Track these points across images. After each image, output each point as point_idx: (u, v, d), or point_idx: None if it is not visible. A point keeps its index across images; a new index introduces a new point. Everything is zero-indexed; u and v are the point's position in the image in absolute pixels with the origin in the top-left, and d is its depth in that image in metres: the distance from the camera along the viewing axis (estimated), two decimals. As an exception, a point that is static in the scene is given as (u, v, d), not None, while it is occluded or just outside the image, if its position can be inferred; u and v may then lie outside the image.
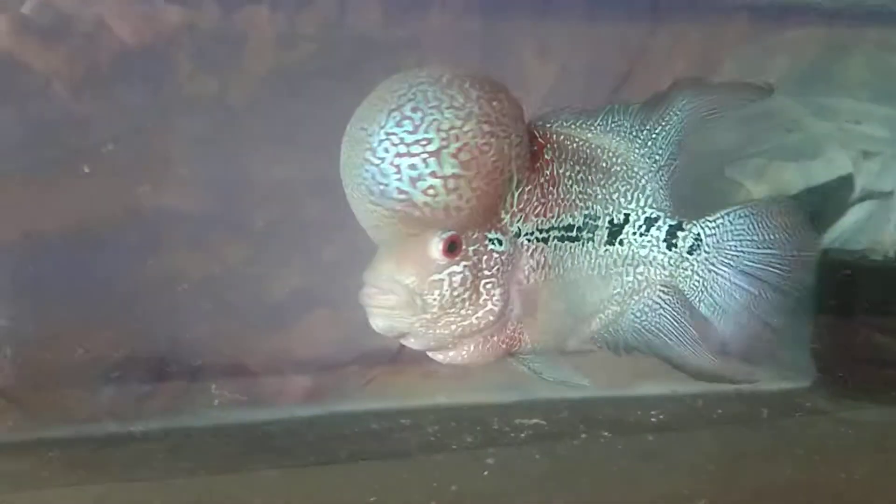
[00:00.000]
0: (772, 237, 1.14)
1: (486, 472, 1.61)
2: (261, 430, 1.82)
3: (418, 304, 0.99)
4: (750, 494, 1.58)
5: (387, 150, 0.93)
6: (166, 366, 1.81)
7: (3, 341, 1.70)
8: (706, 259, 1.12)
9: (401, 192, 0.93)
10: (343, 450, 1.73)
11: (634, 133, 1.10)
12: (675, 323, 1.13)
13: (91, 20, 1.67)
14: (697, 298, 1.14)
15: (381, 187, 0.94)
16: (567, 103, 1.06)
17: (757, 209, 1.14)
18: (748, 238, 1.14)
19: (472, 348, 1.06)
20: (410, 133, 0.92)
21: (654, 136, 1.10)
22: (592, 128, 1.09)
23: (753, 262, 1.13)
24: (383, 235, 1.01)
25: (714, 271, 1.13)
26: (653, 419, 1.89)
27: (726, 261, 1.13)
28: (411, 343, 1.05)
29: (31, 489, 1.56)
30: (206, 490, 1.59)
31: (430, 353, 1.08)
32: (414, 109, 0.93)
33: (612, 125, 1.09)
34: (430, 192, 0.93)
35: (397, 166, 0.93)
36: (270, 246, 1.82)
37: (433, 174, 0.93)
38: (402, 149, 0.93)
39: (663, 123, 1.10)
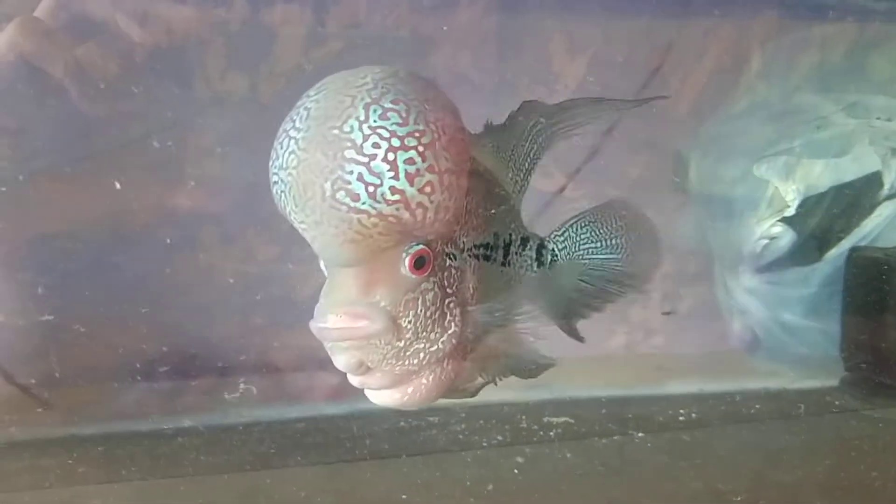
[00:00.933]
0: (613, 241, 1.15)
1: (516, 471, 1.61)
2: (291, 427, 1.82)
3: (394, 330, 0.88)
4: (785, 491, 1.57)
5: (377, 146, 0.81)
6: (197, 362, 1.81)
7: (39, 338, 1.70)
8: (560, 269, 1.12)
9: (395, 191, 0.82)
10: (372, 447, 1.73)
11: (501, 154, 1.06)
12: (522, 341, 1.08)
13: (125, 18, 1.68)
14: (553, 303, 1.14)
15: (370, 189, 0.81)
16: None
17: (595, 216, 1.15)
18: (591, 244, 1.14)
19: (429, 381, 0.94)
20: (400, 125, 0.82)
21: (515, 157, 1.06)
22: (476, 147, 1.00)
23: (596, 266, 1.14)
24: (352, 255, 0.86)
25: (568, 279, 1.14)
26: (682, 417, 1.88)
27: (575, 271, 1.14)
28: (373, 381, 0.92)
29: (69, 485, 1.57)
30: (239, 486, 1.60)
31: (378, 395, 0.95)
32: (395, 101, 0.83)
33: (488, 145, 1.05)
34: (427, 189, 0.83)
35: (392, 162, 0.82)
36: (301, 243, 1.81)
37: (431, 169, 0.83)
38: (396, 142, 0.82)
39: (522, 145, 1.07)
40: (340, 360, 0.90)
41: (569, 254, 1.13)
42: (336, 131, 0.82)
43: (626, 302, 1.20)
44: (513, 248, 1.06)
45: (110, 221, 1.73)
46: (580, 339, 1.19)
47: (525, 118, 1.06)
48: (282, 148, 0.86)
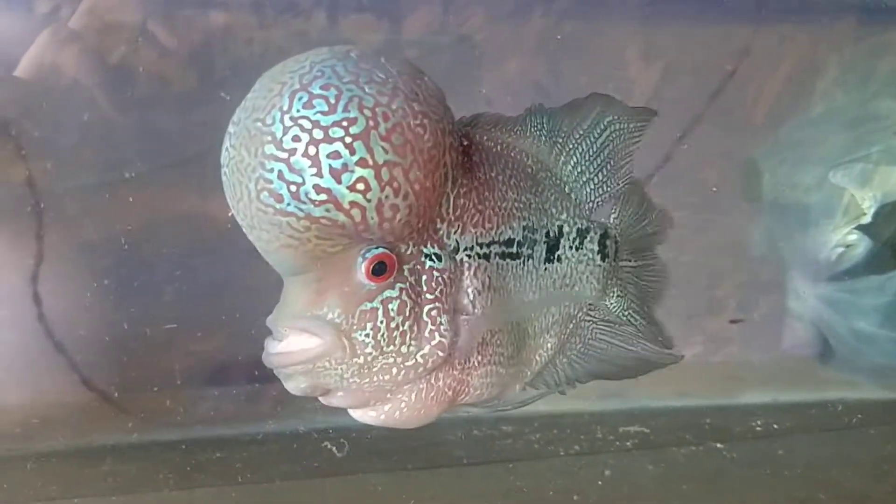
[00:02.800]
0: (642, 210, 1.08)
1: (600, 482, 1.59)
2: (366, 434, 1.81)
3: (346, 346, 0.79)
4: (865, 502, 1.56)
5: (296, 139, 0.71)
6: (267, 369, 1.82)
7: (118, 344, 1.72)
8: (620, 257, 1.05)
9: (320, 190, 0.72)
10: (448, 455, 1.72)
11: (555, 139, 0.97)
12: (610, 342, 1.04)
13: (198, 31, 1.70)
14: (624, 302, 1.06)
15: (292, 189, 0.72)
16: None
17: (631, 192, 1.06)
18: (632, 222, 1.06)
19: (412, 398, 0.84)
20: (326, 114, 0.71)
21: (576, 142, 0.98)
22: (512, 131, 0.93)
23: (640, 239, 1.07)
24: (292, 261, 0.78)
25: (624, 268, 1.06)
26: (759, 427, 1.85)
27: (631, 251, 1.06)
28: (338, 400, 0.84)
29: (146, 492, 1.59)
30: (314, 493, 1.60)
31: (354, 413, 0.86)
32: (325, 87, 0.72)
33: (532, 129, 0.96)
34: (360, 186, 0.72)
35: (313, 157, 0.71)
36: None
37: (362, 162, 0.72)
38: (318, 133, 0.71)
39: (589, 134, 0.99)
40: (289, 386, 0.82)
41: (621, 234, 1.05)
42: (259, 124, 0.73)
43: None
44: (564, 242, 0.96)
45: (188, 228, 1.75)
46: (668, 343, 1.10)
47: (592, 109, 0.98)
48: (223, 144, 0.78)
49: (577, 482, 1.58)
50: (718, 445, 1.76)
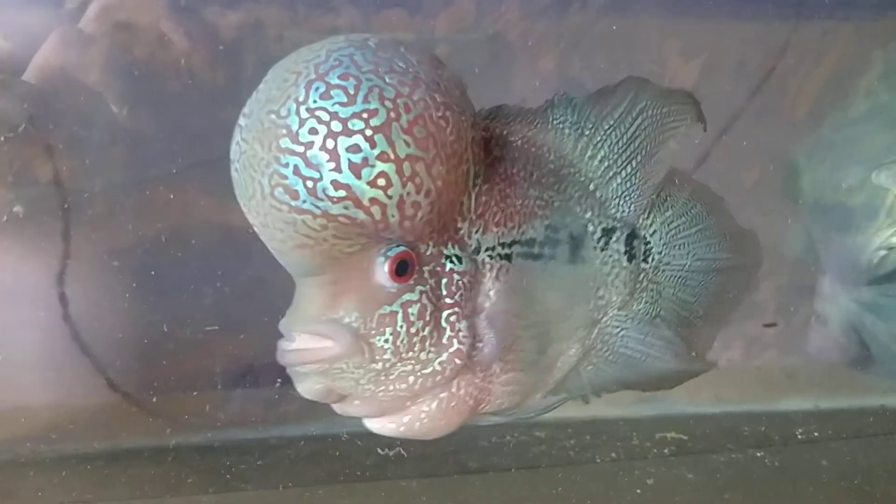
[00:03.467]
0: (700, 215, 0.99)
1: (638, 490, 1.54)
2: (398, 439, 1.78)
3: (365, 350, 0.75)
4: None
5: (313, 131, 0.67)
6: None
7: (145, 346, 1.69)
8: (659, 262, 0.97)
9: (339, 186, 0.68)
10: (482, 461, 1.69)
11: (581, 131, 0.90)
12: (639, 350, 0.97)
13: (228, 28, 1.68)
14: (655, 308, 0.98)
15: (309, 185, 0.68)
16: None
17: (668, 190, 0.97)
18: (681, 221, 0.98)
19: (433, 408, 0.80)
20: (345, 105, 0.67)
21: (604, 134, 0.90)
22: (533, 124, 0.87)
23: (701, 247, 0.99)
24: (307, 262, 0.74)
25: (668, 270, 0.98)
26: (800, 435, 1.80)
27: (677, 253, 0.98)
28: (354, 409, 0.79)
29: (172, 496, 1.56)
30: (344, 498, 1.57)
31: (371, 424, 0.81)
32: (344, 77, 0.68)
33: (555, 122, 0.89)
34: (381, 182, 0.68)
35: (331, 151, 0.67)
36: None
37: (384, 157, 0.68)
38: (337, 126, 0.67)
39: (619, 125, 0.91)
40: (302, 388, 0.77)
41: (662, 238, 0.97)
42: (273, 116, 0.69)
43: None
44: (588, 242, 0.90)
45: (217, 227, 1.73)
46: (706, 360, 1.05)
47: (625, 95, 0.91)
48: (233, 138, 0.75)
49: (615, 489, 1.54)
50: (759, 453, 1.71)
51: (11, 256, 1.62)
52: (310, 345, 0.74)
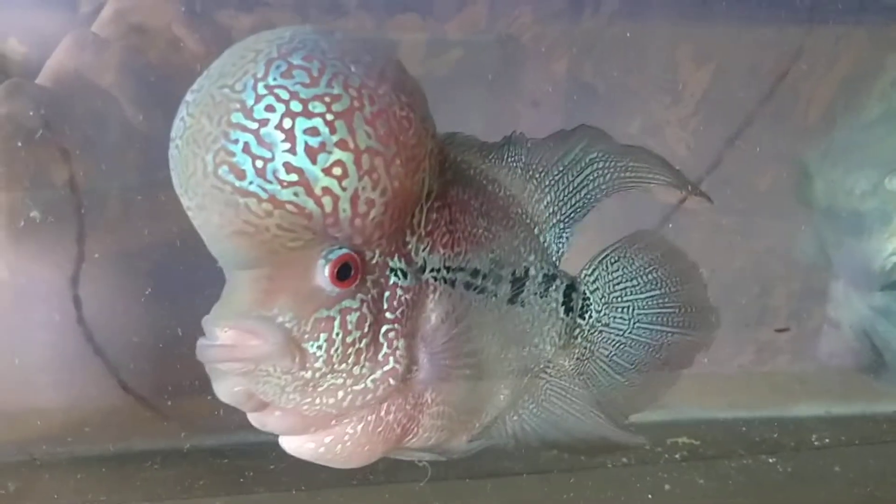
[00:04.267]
0: (658, 281, 0.95)
1: (650, 495, 1.54)
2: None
3: (296, 355, 0.69)
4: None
5: (270, 108, 0.62)
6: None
7: (154, 348, 1.70)
8: (597, 321, 0.93)
9: (291, 169, 0.63)
10: (494, 465, 1.68)
11: (531, 173, 0.87)
12: (561, 407, 0.94)
13: (240, 31, 1.68)
14: (585, 367, 0.96)
15: (258, 164, 0.62)
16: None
17: (624, 250, 0.95)
18: (631, 284, 0.94)
19: (358, 430, 0.74)
20: (307, 86, 0.63)
21: (552, 179, 0.87)
22: (488, 158, 0.84)
23: (649, 315, 0.95)
24: (243, 252, 0.69)
25: (605, 332, 0.95)
26: (815, 441, 1.79)
27: (619, 316, 0.94)
28: (273, 421, 0.74)
29: (186, 498, 1.57)
30: (356, 501, 1.57)
31: (288, 443, 0.76)
32: (308, 58, 0.64)
33: (509, 160, 0.86)
34: (337, 171, 0.64)
35: (288, 131, 0.62)
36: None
37: (343, 144, 0.64)
38: (297, 106, 0.63)
39: (568, 172, 0.88)
40: (220, 389, 0.73)
41: (603, 296, 0.94)
42: (226, 90, 0.65)
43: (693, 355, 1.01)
44: (530, 285, 0.87)
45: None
46: (631, 433, 1.03)
47: (577, 143, 0.88)
48: (177, 114, 0.70)
49: (627, 495, 1.54)
50: (771, 459, 1.70)
51: (27, 259, 1.62)
52: (236, 341, 0.69)
